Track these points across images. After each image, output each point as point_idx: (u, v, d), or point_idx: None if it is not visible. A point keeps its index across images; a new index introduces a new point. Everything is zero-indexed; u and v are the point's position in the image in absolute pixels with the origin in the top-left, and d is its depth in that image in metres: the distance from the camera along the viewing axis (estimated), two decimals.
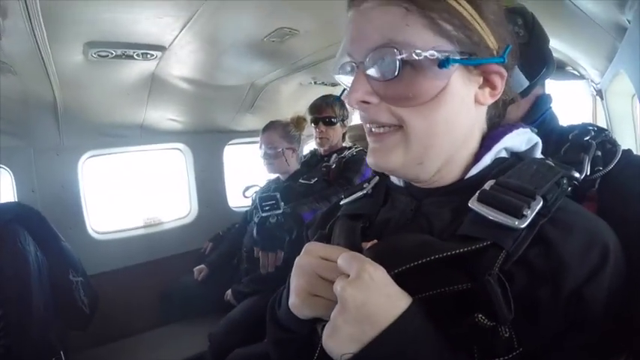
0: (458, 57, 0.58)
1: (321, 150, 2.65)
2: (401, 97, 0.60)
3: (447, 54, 0.58)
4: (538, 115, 1.11)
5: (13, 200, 1.90)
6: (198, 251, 2.87)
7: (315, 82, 2.79)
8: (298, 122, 2.62)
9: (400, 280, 0.55)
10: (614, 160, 0.78)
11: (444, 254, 0.54)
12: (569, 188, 0.64)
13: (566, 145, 0.85)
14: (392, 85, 0.60)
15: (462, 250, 0.54)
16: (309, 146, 3.05)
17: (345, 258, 0.56)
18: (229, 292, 2.35)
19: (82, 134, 2.50)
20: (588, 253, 0.54)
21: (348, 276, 0.54)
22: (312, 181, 2.37)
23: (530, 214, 0.55)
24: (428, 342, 0.52)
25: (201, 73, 2.34)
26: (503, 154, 0.68)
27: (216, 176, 3.17)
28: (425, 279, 0.56)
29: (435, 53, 0.57)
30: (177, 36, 1.79)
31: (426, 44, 0.58)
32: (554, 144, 0.89)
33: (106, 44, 1.79)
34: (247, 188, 2.64)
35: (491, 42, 0.62)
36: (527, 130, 0.70)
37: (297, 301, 0.61)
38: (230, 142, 3.23)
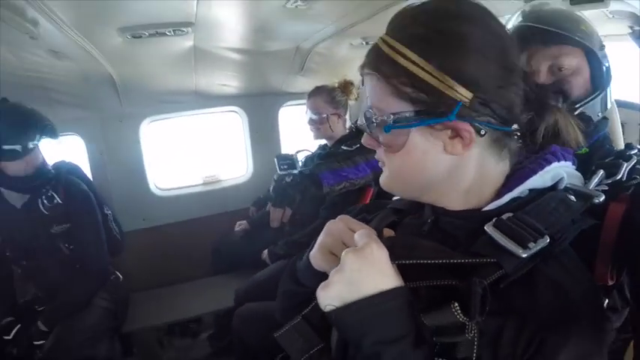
0: (412, 118, 0.67)
1: None
2: (383, 145, 0.73)
3: (400, 117, 0.68)
4: (592, 137, 1.15)
5: (59, 160, 2.31)
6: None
7: (366, 43, 2.69)
8: (345, 87, 2.60)
9: (401, 269, 0.65)
10: None
11: (451, 261, 0.64)
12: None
13: (611, 157, 0.93)
14: (377, 137, 0.73)
15: (466, 260, 0.64)
16: None
17: (360, 233, 0.67)
18: (266, 251, 2.51)
19: (141, 102, 2.79)
20: (560, 307, 0.61)
21: None
22: (354, 147, 2.38)
23: (534, 248, 0.62)
24: (397, 322, 0.60)
25: (239, 41, 2.43)
26: (526, 193, 0.73)
27: (272, 137, 3.31)
28: (421, 274, 0.65)
29: (391, 117, 0.68)
30: (196, 11, 1.88)
31: (388, 108, 0.69)
32: (600, 157, 0.98)
33: (137, 27, 1.94)
34: (297, 152, 2.72)
35: (459, 93, 0.65)
36: (553, 166, 0.73)
37: (317, 253, 0.75)
38: (285, 104, 3.33)
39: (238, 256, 2.82)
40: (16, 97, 2.02)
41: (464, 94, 0.65)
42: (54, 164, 2.20)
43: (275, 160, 2.28)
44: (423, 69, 0.65)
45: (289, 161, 2.25)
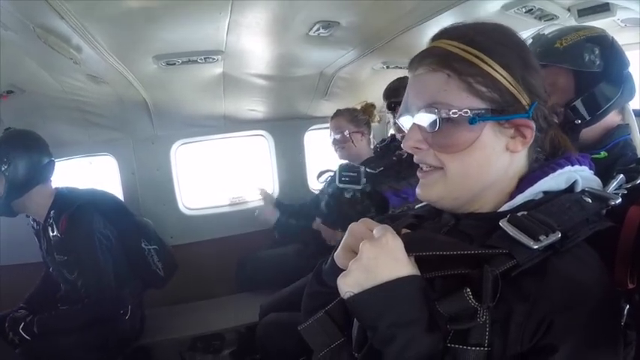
0: (489, 114, 0.72)
1: (399, 136, 2.52)
2: (442, 145, 0.75)
3: (478, 112, 0.72)
4: (609, 142, 1.26)
5: (89, 187, 2.36)
6: None
7: (387, 67, 2.81)
8: (366, 109, 2.66)
9: (418, 261, 0.70)
10: None
11: (465, 252, 0.68)
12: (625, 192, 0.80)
13: (632, 164, 0.95)
14: (436, 136, 0.75)
15: (479, 251, 0.68)
16: None
17: (377, 228, 0.72)
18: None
19: (172, 126, 2.94)
20: (570, 294, 0.65)
21: None
22: (377, 170, 2.37)
23: (545, 241, 0.65)
24: (411, 307, 0.65)
25: (266, 68, 2.56)
26: (540, 196, 0.77)
27: (298, 160, 3.40)
28: (437, 266, 0.70)
29: (468, 111, 0.72)
30: (226, 40, 2.02)
31: (462, 104, 0.72)
32: (623, 164, 1.01)
33: (171, 55, 2.10)
34: (321, 174, 2.75)
35: (523, 97, 0.74)
36: (566, 170, 0.78)
37: (340, 252, 0.81)
38: (311, 128, 3.43)
39: (263, 273, 2.87)
40: (54, 119, 2.18)
41: (525, 98, 0.74)
42: (72, 194, 2.24)
43: (336, 171, 2.10)
44: (500, 74, 0.73)
45: (354, 174, 2.05)
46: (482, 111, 0.72)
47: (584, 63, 1.23)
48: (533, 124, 0.75)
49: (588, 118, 1.24)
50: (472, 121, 0.72)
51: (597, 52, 1.24)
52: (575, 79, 1.26)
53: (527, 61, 0.76)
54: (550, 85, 1.21)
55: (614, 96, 1.25)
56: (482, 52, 0.73)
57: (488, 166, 0.76)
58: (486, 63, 0.72)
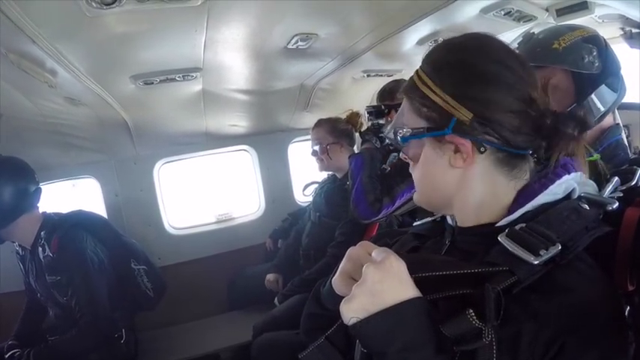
0: (423, 131, 0.78)
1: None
2: (407, 158, 0.86)
3: (417, 130, 0.79)
4: (604, 144, 1.23)
5: (77, 209, 2.34)
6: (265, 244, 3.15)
7: (367, 75, 2.82)
8: (351, 118, 2.57)
9: (419, 283, 0.67)
10: None
11: (465, 271, 0.67)
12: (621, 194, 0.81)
13: (625, 165, 0.95)
14: (404, 151, 0.85)
15: (479, 269, 0.67)
16: None
17: (377, 250, 0.69)
18: (277, 298, 2.51)
19: (154, 145, 2.92)
20: (579, 311, 0.63)
21: None
22: None
23: (546, 255, 0.64)
24: (420, 330, 0.62)
25: (245, 83, 2.56)
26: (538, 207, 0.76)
27: (282, 173, 3.40)
28: (438, 287, 0.68)
29: (410, 130, 0.80)
30: (203, 57, 2.00)
31: (409, 123, 0.80)
32: (615, 165, 0.99)
33: (148, 74, 2.07)
34: (307, 186, 2.79)
35: (463, 114, 0.73)
36: (564, 180, 0.76)
37: (338, 278, 0.77)
38: (294, 141, 3.43)
39: (254, 290, 2.83)
40: (34, 142, 2.13)
41: (464, 113, 0.73)
42: (61, 216, 2.23)
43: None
44: (433, 91, 0.76)
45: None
46: (421, 128, 0.78)
47: (584, 64, 1.20)
48: (465, 140, 0.74)
49: (598, 114, 1.21)
50: (402, 140, 0.81)
51: (595, 52, 1.21)
52: (574, 81, 1.21)
53: (474, 72, 0.75)
54: (550, 88, 1.19)
55: (613, 98, 1.23)
56: (425, 72, 0.78)
57: (433, 179, 0.81)
58: (424, 83, 0.77)
